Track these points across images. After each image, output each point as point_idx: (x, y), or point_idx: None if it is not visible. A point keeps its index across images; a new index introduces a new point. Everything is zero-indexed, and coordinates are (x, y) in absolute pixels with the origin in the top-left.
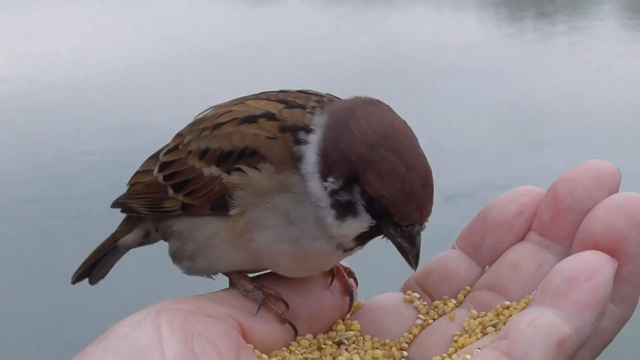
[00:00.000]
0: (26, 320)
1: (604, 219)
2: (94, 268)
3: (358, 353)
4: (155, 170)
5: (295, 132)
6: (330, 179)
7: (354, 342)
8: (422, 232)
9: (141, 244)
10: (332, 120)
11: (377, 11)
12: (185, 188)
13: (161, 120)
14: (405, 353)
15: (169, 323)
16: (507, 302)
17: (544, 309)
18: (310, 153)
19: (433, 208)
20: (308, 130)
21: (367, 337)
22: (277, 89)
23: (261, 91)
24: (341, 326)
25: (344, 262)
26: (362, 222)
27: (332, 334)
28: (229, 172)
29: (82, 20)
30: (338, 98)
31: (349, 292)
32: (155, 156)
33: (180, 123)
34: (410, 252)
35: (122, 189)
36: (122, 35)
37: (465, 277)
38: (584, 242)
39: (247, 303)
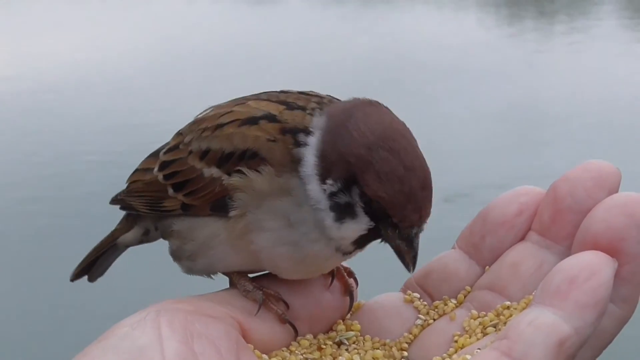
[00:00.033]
0: (26, 320)
1: (604, 219)
2: (93, 265)
3: (358, 353)
4: (156, 169)
5: (295, 134)
6: (329, 181)
7: (354, 342)
8: (420, 235)
9: (141, 242)
10: (331, 121)
11: (377, 11)
12: (185, 188)
13: (161, 120)
14: (405, 353)
15: (169, 323)
16: (507, 302)
17: (544, 309)
18: (310, 155)
19: (432, 209)
20: (307, 132)
21: (367, 337)
22: (278, 89)
23: (261, 91)
24: (341, 326)
25: (344, 263)
26: (360, 224)
27: (333, 334)
28: (229, 174)
29: (82, 20)
30: (338, 100)
31: (349, 292)
32: (155, 154)
33: (180, 123)
34: (408, 254)
35: (122, 188)
36: (122, 35)
37: (466, 277)
38: (584, 242)
39: (247, 303)
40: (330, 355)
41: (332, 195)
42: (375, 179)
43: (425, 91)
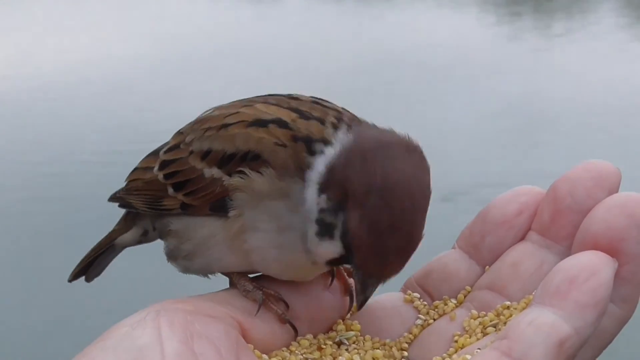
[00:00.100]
0: (26, 320)
1: (604, 219)
2: (90, 266)
3: (358, 353)
4: (156, 168)
5: (309, 143)
6: (324, 196)
7: (354, 342)
8: (378, 286)
9: (139, 242)
10: (355, 143)
11: (377, 10)
12: (186, 188)
13: (161, 120)
14: (405, 353)
15: (169, 323)
16: (508, 302)
17: (544, 308)
18: (321, 165)
19: (420, 231)
20: (327, 142)
21: (368, 337)
22: (285, 93)
23: (265, 92)
24: (341, 326)
25: None
26: (335, 248)
27: (332, 334)
28: (230, 175)
29: (83, 21)
30: (355, 116)
31: (349, 292)
32: (155, 153)
33: (180, 123)
34: (358, 296)
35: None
36: (122, 35)
37: (466, 277)
38: (584, 242)
39: (247, 303)
40: (330, 355)
41: (321, 211)
42: (358, 220)
43: (424, 89)
